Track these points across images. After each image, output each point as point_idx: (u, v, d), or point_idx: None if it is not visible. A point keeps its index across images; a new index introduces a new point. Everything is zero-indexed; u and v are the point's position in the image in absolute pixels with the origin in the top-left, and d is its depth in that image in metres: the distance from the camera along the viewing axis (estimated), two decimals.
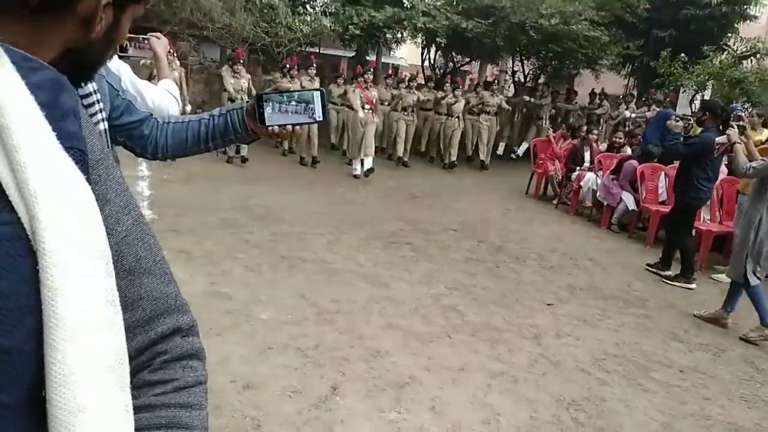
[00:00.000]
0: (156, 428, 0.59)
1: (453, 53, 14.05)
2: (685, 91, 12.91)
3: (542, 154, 8.49)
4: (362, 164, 8.33)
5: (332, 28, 11.26)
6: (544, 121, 11.39)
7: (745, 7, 13.28)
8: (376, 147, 9.08)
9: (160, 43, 2.13)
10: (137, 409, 0.56)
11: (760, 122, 7.38)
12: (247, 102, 1.40)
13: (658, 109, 9.25)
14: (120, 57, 1.97)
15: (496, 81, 10.65)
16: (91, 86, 1.24)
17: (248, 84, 8.13)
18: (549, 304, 4.40)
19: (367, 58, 12.65)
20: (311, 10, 12.12)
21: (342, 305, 3.89)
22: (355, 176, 8.34)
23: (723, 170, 6.04)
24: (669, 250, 5.45)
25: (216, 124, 1.41)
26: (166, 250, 3.72)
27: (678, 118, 7.60)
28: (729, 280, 5.36)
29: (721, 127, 5.01)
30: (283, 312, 3.67)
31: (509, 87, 14.57)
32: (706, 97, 12.98)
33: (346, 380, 2.99)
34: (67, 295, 0.46)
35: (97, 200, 0.51)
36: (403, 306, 4.01)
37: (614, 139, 8.16)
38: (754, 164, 4.21)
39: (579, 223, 7.27)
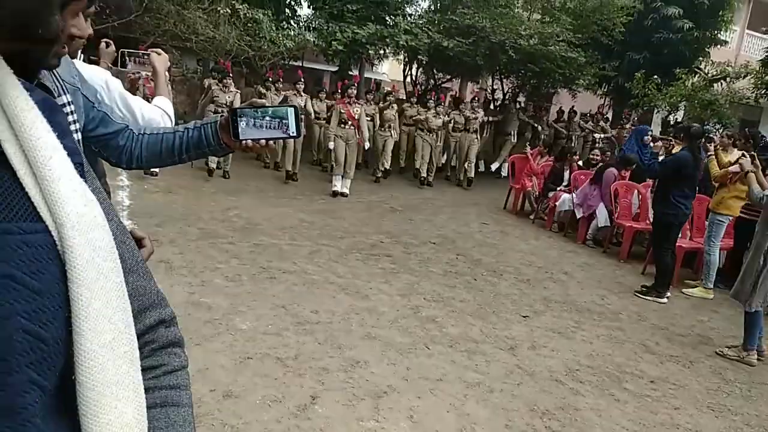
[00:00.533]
0: (152, 408, 0.66)
1: (434, 70, 14.27)
2: (658, 111, 13.27)
3: (520, 171, 8.65)
4: (342, 181, 8.21)
5: (315, 43, 11.37)
6: (512, 137, 11.70)
7: (716, 32, 13.77)
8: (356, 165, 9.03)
9: (160, 59, 2.13)
10: None
11: (730, 143, 7.65)
12: (222, 116, 1.41)
13: (633, 127, 9.57)
14: (119, 70, 2.01)
15: (477, 98, 10.63)
16: (65, 98, 1.26)
17: (233, 100, 7.85)
18: (525, 317, 4.49)
19: (350, 73, 12.78)
20: (295, 26, 12.24)
21: (322, 316, 3.93)
22: (334, 193, 8.13)
23: None
24: (661, 272, 5.45)
25: (190, 137, 1.42)
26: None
27: (651, 133, 7.87)
28: (700, 294, 5.56)
29: (691, 147, 5.23)
30: (263, 322, 3.70)
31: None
32: (679, 118, 13.39)
33: (325, 390, 3.02)
34: (93, 289, 0.53)
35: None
36: (382, 317, 4.06)
37: (590, 156, 8.36)
38: (767, 193, 4.34)
39: (555, 238, 7.41)
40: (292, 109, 1.33)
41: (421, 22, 12.21)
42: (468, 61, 11.38)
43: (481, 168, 11.86)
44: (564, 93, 14.23)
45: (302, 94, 9.00)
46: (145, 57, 2.56)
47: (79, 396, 0.53)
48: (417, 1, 12.85)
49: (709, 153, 6.00)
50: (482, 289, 5.00)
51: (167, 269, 4.34)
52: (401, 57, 13.82)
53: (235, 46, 10.30)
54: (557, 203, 7.55)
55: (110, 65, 2.85)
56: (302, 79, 9.10)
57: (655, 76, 11.95)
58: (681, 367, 3.95)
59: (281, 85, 8.95)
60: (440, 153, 10.80)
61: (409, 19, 12.05)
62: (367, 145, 8.74)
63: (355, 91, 8.41)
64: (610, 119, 13.73)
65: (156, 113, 1.93)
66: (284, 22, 12.11)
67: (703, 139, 7.19)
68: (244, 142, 1.31)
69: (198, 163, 7.91)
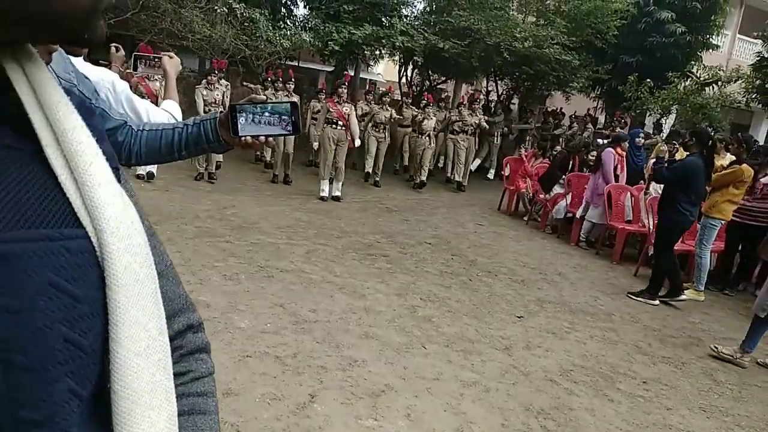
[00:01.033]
0: (180, 415, 0.65)
1: (429, 71, 14.34)
2: (651, 114, 13.39)
3: (514, 173, 8.72)
4: (331, 185, 7.91)
5: (312, 43, 11.38)
6: (495, 138, 11.65)
7: (708, 36, 13.91)
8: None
9: (171, 62, 2.10)
10: None
11: (722, 147, 7.74)
12: (221, 112, 1.39)
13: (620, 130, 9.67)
14: (130, 73, 2.02)
15: (477, 100, 10.36)
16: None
17: (222, 96, 7.85)
18: (519, 317, 4.54)
19: (345, 73, 12.80)
20: (291, 25, 12.25)
21: (319, 315, 3.96)
22: (322, 198, 7.79)
23: None
24: (673, 279, 5.43)
25: (189, 133, 1.41)
26: None
27: (644, 135, 7.95)
28: (691, 296, 5.63)
29: (705, 152, 5.16)
30: (262, 321, 3.72)
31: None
32: (670, 121, 13.51)
33: (323, 388, 3.05)
34: (130, 296, 0.52)
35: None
36: (379, 316, 4.10)
37: (588, 158, 8.42)
38: None
39: (548, 239, 7.48)
40: (291, 105, 1.32)
41: (416, 23, 12.27)
42: (463, 63, 11.45)
43: (472, 167, 11.91)
44: (558, 95, 14.33)
45: (293, 94, 8.68)
46: (156, 60, 2.54)
47: (113, 405, 0.52)
48: (413, 3, 12.89)
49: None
50: (477, 290, 5.05)
51: None
52: (397, 58, 13.87)
53: (232, 45, 10.31)
54: (554, 209, 7.58)
55: (120, 68, 2.86)
56: (293, 79, 8.86)
57: (648, 80, 12.06)
58: (673, 368, 4.01)
59: (280, 85, 8.81)
60: (437, 155, 10.81)
61: (405, 20, 12.10)
62: (357, 142, 8.41)
63: (345, 90, 8.11)
64: (603, 122, 13.84)
65: (163, 116, 1.90)
66: (281, 22, 12.12)
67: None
68: (243, 138, 1.30)
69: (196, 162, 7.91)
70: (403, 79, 14.73)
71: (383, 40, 11.39)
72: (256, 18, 10.63)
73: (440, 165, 10.97)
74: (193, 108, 9.53)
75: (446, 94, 13.78)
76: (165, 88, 2.13)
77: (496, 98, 14.07)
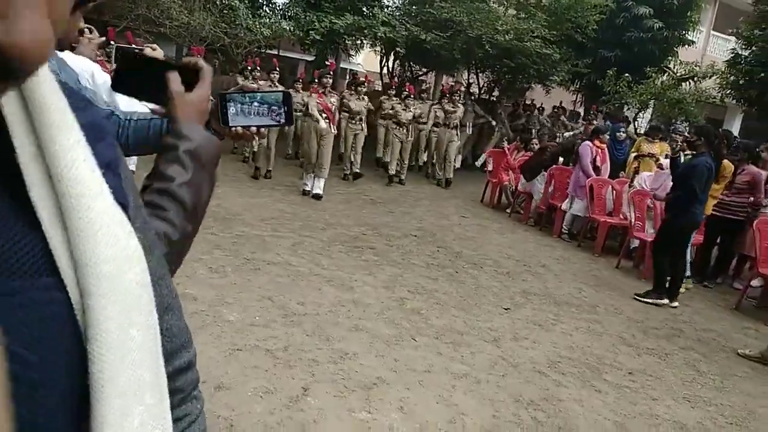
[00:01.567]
0: None
1: (411, 63, 14.29)
2: (629, 108, 13.58)
3: (497, 165, 8.76)
4: (314, 181, 7.51)
5: (292, 32, 11.24)
6: (467, 129, 11.65)
7: (684, 32, 14.14)
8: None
9: (154, 54, 2.08)
10: None
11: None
12: (211, 101, 1.40)
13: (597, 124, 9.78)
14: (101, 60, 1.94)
15: (459, 92, 10.11)
16: None
17: None
18: (506, 309, 4.57)
19: (330, 61, 12.67)
20: (271, 13, 12.07)
21: (308, 308, 3.92)
22: (304, 192, 7.51)
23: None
24: (674, 279, 5.33)
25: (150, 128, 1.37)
26: None
27: (625, 131, 8.04)
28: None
29: (713, 154, 5.08)
30: (251, 314, 3.67)
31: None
32: (647, 116, 13.73)
33: (315, 381, 3.03)
34: (125, 365, 0.43)
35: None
36: (368, 309, 4.08)
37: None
38: None
39: (531, 232, 7.55)
40: (282, 95, 1.27)
41: (398, 14, 12.21)
42: (445, 55, 11.42)
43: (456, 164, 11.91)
44: (538, 88, 14.43)
45: (277, 84, 8.26)
46: (137, 51, 2.43)
47: None
48: None
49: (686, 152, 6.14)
50: (464, 282, 5.06)
51: None
52: (378, 48, 13.79)
53: (211, 33, 10.12)
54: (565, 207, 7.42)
55: (97, 53, 2.75)
56: (277, 69, 8.55)
57: (626, 74, 12.22)
58: (657, 359, 4.09)
59: (258, 74, 8.61)
60: (418, 149, 10.65)
61: (386, 10, 12.03)
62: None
63: (330, 80, 7.69)
64: (582, 114, 13.98)
65: (145, 111, 1.86)
66: (260, 10, 11.93)
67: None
68: (234, 129, 1.25)
69: None
70: (384, 70, 14.66)
71: (365, 31, 11.31)
72: (236, 5, 10.45)
73: (424, 159, 10.85)
74: None
75: (427, 85, 13.77)
76: None
77: (477, 91, 14.11)
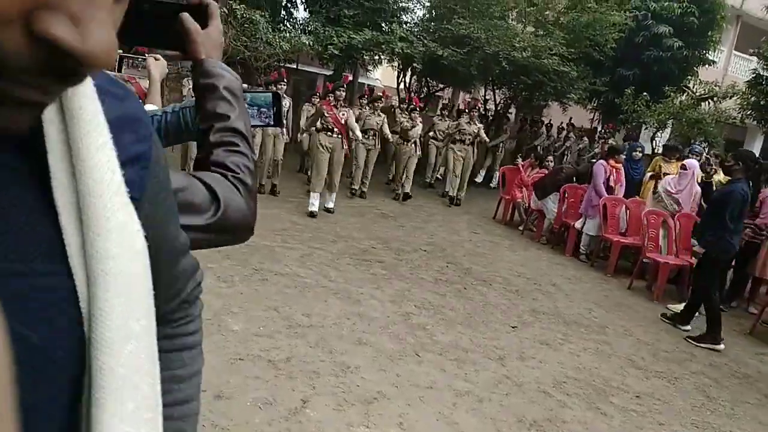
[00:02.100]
0: (170, 351, 0.72)
1: (428, 78, 14.36)
2: (647, 128, 13.47)
3: (511, 182, 8.73)
4: (321, 198, 7.13)
5: (311, 46, 11.38)
6: (500, 149, 11.73)
7: (705, 52, 14.03)
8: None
9: (157, 65, 2.04)
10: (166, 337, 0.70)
11: (717, 162, 7.79)
12: None
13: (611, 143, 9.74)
14: (115, 74, 1.97)
15: (476, 108, 9.82)
16: None
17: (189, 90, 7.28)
18: (513, 327, 4.53)
19: (344, 74, 12.78)
20: (291, 28, 12.25)
21: (313, 319, 3.93)
22: (311, 213, 6.93)
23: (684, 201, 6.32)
24: (694, 305, 5.16)
25: (168, 121, 1.38)
26: None
27: (642, 150, 7.97)
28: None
29: (751, 181, 4.88)
30: (255, 324, 3.69)
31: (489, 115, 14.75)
32: (666, 135, 13.60)
33: (316, 393, 3.02)
34: (121, 356, 0.45)
35: (156, 220, 0.53)
36: (373, 323, 4.07)
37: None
38: None
39: (543, 250, 7.48)
40: (271, 95, 1.27)
41: (416, 30, 12.30)
42: (462, 71, 11.46)
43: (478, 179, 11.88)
44: (555, 106, 14.40)
45: (285, 96, 7.81)
46: (140, 60, 2.47)
47: None
48: (413, 9, 12.92)
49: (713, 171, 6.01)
50: (472, 298, 5.03)
51: None
52: (395, 63, 13.89)
53: (231, 47, 10.28)
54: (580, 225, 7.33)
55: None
56: (285, 80, 7.95)
57: (645, 93, 12.13)
58: (666, 383, 4.01)
59: (282, 86, 7.96)
60: (437, 166, 10.58)
61: (404, 26, 12.12)
62: (359, 134, 7.80)
63: (343, 93, 7.29)
64: (597, 131, 13.90)
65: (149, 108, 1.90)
66: (281, 24, 12.12)
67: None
68: None
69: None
70: (402, 85, 14.75)
71: (383, 46, 11.41)
72: (256, 20, 10.62)
73: (439, 176, 10.71)
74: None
75: (444, 101, 13.81)
76: (149, 91, 2.04)
77: (494, 108, 14.10)
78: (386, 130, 8.40)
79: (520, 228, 8.33)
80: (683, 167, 6.45)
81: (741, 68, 18.26)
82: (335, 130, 7.07)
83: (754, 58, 13.61)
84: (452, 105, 12.32)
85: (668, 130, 13.39)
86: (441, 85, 14.73)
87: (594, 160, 8.47)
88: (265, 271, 4.68)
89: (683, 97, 12.86)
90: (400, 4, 12.26)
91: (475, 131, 9.24)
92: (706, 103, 12.66)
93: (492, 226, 8.50)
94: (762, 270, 5.80)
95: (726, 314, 6.00)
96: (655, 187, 6.89)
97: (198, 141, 0.91)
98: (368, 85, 19.79)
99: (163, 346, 0.60)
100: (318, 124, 7.11)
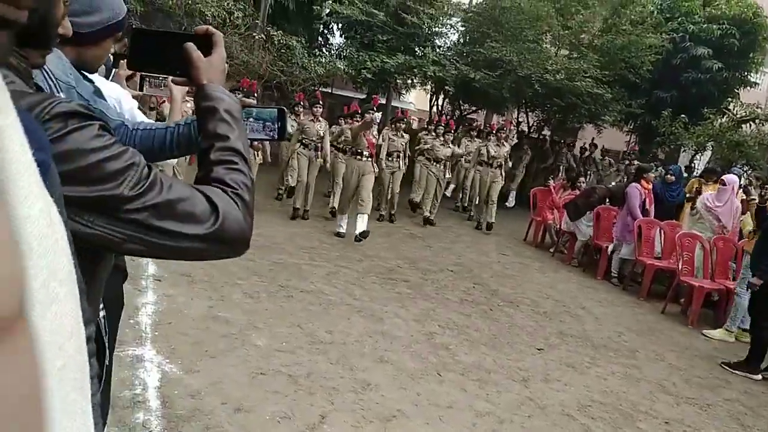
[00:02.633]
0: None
1: (460, 101, 14.44)
2: (685, 150, 13.16)
3: (542, 203, 8.65)
4: (348, 220, 6.99)
5: (346, 70, 11.63)
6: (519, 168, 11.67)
7: (746, 73, 13.69)
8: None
9: (179, 85, 2.15)
10: None
11: (759, 184, 7.54)
12: None
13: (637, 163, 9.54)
14: (137, 93, 2.08)
15: (505, 129, 9.65)
16: (60, 96, 1.33)
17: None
18: (539, 349, 4.46)
19: (374, 96, 12.99)
20: (326, 53, 12.56)
21: (336, 336, 3.97)
22: (338, 234, 6.91)
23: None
24: (757, 346, 4.76)
25: (180, 132, 1.45)
26: (169, 273, 3.79)
27: (675, 173, 7.78)
28: (722, 336, 5.44)
29: None
30: (278, 339, 3.75)
31: (513, 136, 14.71)
32: (705, 158, 13.26)
33: (334, 410, 3.04)
34: (46, 317, 0.47)
35: None
36: (396, 341, 4.08)
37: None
38: None
39: (574, 273, 7.36)
40: (277, 111, 1.34)
41: (449, 53, 12.44)
42: (494, 94, 11.51)
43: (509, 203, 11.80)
44: (590, 128, 14.24)
45: (320, 119, 7.76)
46: (161, 80, 2.58)
47: None
48: (446, 34, 13.09)
49: (751, 197, 5.83)
50: (498, 320, 4.98)
51: (188, 282, 4.44)
52: (428, 87, 14.03)
53: (268, 71, 10.62)
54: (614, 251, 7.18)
55: (125, 83, 2.84)
56: (321, 102, 7.98)
57: (683, 115, 11.89)
58: (698, 410, 3.87)
59: (300, 109, 8.13)
60: (454, 188, 10.49)
61: (437, 50, 12.28)
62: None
63: (374, 115, 7.22)
64: (636, 154, 13.66)
65: (150, 122, 1.96)
66: (317, 50, 12.45)
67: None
68: None
69: None
70: (434, 108, 14.87)
71: (415, 70, 11.58)
72: (293, 45, 10.96)
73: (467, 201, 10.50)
74: None
75: (476, 123, 13.84)
76: (170, 110, 2.11)
77: (527, 131, 14.05)
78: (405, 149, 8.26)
79: (551, 250, 8.22)
80: (722, 183, 6.30)
81: None
82: (365, 153, 7.01)
83: None
84: (481, 127, 12.30)
85: (708, 153, 13.05)
86: (473, 108, 14.78)
87: (621, 182, 8.34)
88: (291, 288, 4.76)
89: (723, 119, 12.54)
90: (434, 29, 12.46)
91: (504, 154, 9.11)
92: (748, 125, 12.31)
93: (522, 248, 8.41)
94: None
95: None
96: (693, 207, 6.73)
97: (199, 159, 0.96)
98: (401, 108, 19.99)
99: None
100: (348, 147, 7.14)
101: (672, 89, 13.20)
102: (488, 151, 9.07)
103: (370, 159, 7.06)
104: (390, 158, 8.20)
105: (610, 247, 7.08)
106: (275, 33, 11.15)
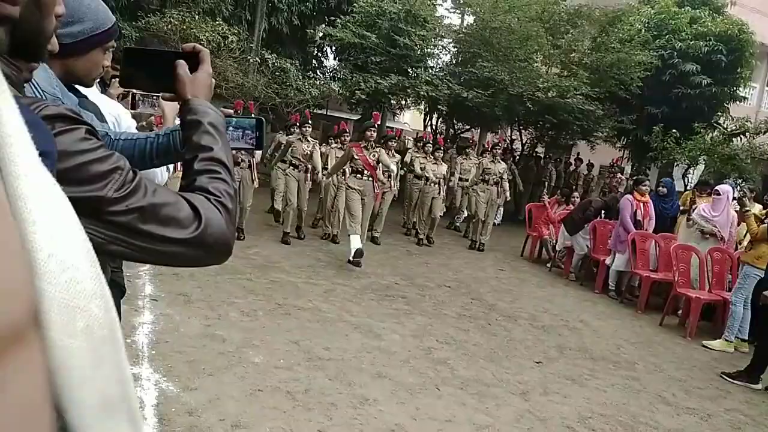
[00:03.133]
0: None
1: (454, 120, 14.57)
2: (678, 164, 13.27)
3: (537, 219, 8.69)
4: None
5: (340, 92, 11.75)
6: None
7: (734, 88, 13.89)
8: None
9: (170, 104, 2.07)
10: None
11: (752, 197, 7.60)
12: None
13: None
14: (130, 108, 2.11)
15: (499, 146, 9.54)
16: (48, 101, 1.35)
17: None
18: (538, 362, 4.45)
19: (374, 113, 13.08)
20: (321, 75, 12.70)
21: (333, 353, 3.95)
22: (359, 253, 6.26)
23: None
24: (760, 357, 4.71)
25: (159, 143, 1.48)
26: (166, 293, 3.81)
27: (667, 186, 7.85)
28: (721, 347, 5.44)
29: None
30: (276, 357, 3.73)
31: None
32: (698, 172, 13.36)
33: (332, 425, 3.02)
34: (58, 285, 0.49)
35: None
36: (393, 357, 4.07)
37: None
38: None
39: (572, 286, 7.36)
40: (256, 121, 1.38)
41: (441, 74, 12.58)
42: (487, 112, 11.62)
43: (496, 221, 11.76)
44: (583, 145, 14.37)
45: (309, 139, 7.51)
46: (154, 99, 2.59)
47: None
48: (438, 54, 13.26)
49: (746, 209, 5.88)
50: (496, 334, 4.98)
51: (185, 302, 4.43)
52: (422, 107, 14.17)
53: (263, 93, 10.73)
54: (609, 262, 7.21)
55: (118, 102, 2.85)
56: (309, 121, 7.74)
57: (674, 130, 12.02)
58: (698, 420, 3.85)
59: (308, 128, 7.73)
60: (456, 207, 10.52)
61: (430, 71, 12.42)
62: (395, 187, 8.07)
63: (374, 134, 6.98)
64: (629, 171, 13.78)
65: (133, 132, 1.95)
66: (311, 72, 12.59)
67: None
68: None
69: None
70: (428, 128, 14.99)
71: (408, 90, 11.69)
72: (287, 68, 11.09)
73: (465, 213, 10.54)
74: None
75: (471, 141, 13.97)
76: (162, 128, 2.15)
77: (520, 148, 14.17)
78: (393, 167, 7.83)
79: (548, 265, 8.23)
80: (716, 192, 6.35)
81: None
82: (365, 172, 6.82)
83: None
84: (475, 144, 12.41)
85: (701, 167, 13.15)
86: (467, 126, 14.91)
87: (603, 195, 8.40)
88: (288, 306, 4.75)
89: (714, 134, 12.67)
90: (426, 50, 12.62)
91: (500, 171, 8.98)
92: (739, 138, 12.44)
93: (519, 263, 8.42)
94: None
95: None
96: (688, 219, 6.77)
97: (184, 170, 0.99)
98: (395, 129, 20.13)
99: None
100: (347, 167, 6.98)
101: (662, 105, 13.36)
102: (485, 169, 8.91)
103: (370, 179, 6.85)
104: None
105: (608, 260, 7.10)
106: (269, 56, 11.30)
